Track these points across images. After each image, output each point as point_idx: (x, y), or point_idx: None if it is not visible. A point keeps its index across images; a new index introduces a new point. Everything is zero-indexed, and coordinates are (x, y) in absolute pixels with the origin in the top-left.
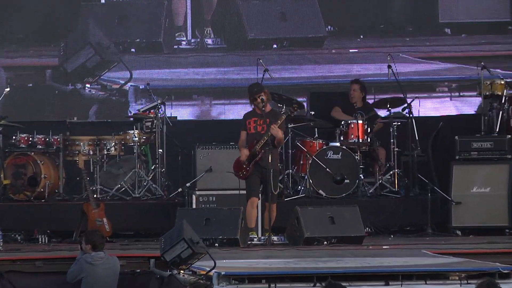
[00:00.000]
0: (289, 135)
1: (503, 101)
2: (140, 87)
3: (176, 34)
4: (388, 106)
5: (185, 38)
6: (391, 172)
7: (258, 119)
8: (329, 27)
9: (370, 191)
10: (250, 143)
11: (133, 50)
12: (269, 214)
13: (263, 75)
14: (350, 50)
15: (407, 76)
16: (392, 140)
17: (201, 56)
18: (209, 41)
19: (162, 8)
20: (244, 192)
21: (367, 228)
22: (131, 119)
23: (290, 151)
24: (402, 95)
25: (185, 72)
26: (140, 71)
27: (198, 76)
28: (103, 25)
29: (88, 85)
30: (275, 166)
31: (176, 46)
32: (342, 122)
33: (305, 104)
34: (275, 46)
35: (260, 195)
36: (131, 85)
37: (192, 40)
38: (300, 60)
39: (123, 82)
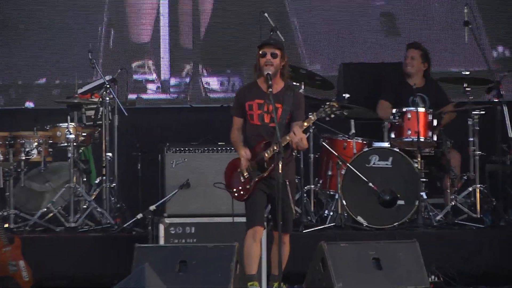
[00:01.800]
0: (310, 131)
1: None
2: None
3: None
4: (465, 85)
5: None
6: (470, 189)
7: (265, 102)
8: None
9: (438, 218)
10: (253, 139)
11: None
12: (279, 251)
13: (271, 35)
14: None
15: None
16: (471, 139)
17: None
18: None
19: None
20: (242, 218)
21: (433, 277)
22: (65, 106)
23: (311, 155)
24: (486, 68)
25: None
26: None
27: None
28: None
29: None
30: (290, 176)
31: None
32: (394, 111)
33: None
34: None
35: (266, 222)
36: None
37: None
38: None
39: None
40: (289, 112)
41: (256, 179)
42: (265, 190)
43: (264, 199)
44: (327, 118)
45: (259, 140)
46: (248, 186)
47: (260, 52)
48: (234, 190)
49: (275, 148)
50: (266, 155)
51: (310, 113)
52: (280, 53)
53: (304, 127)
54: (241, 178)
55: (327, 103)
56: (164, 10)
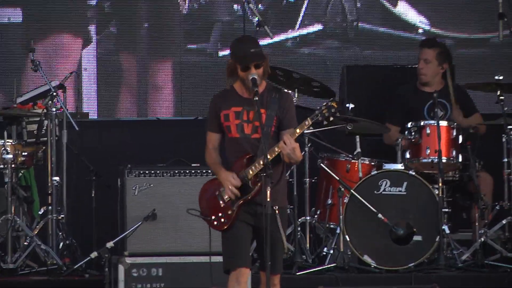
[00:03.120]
0: (305, 149)
1: None
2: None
3: None
4: (499, 93)
5: None
6: (503, 222)
7: (244, 109)
8: None
9: (464, 257)
10: (233, 155)
11: None
12: None
13: (256, 32)
14: None
15: None
16: (505, 160)
17: None
18: None
19: None
20: (221, 258)
21: None
22: (0, 118)
23: (307, 180)
24: None
25: None
26: None
27: None
28: None
29: None
30: (280, 202)
31: None
32: (409, 125)
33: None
34: None
35: (250, 262)
36: None
37: None
38: None
39: None
40: (275, 118)
41: (241, 201)
42: (249, 221)
43: (249, 232)
44: (325, 122)
45: (240, 155)
46: (229, 212)
47: (248, 64)
48: (213, 217)
49: (261, 163)
50: (251, 172)
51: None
52: (263, 61)
53: (297, 135)
54: (221, 202)
55: (325, 104)
56: None
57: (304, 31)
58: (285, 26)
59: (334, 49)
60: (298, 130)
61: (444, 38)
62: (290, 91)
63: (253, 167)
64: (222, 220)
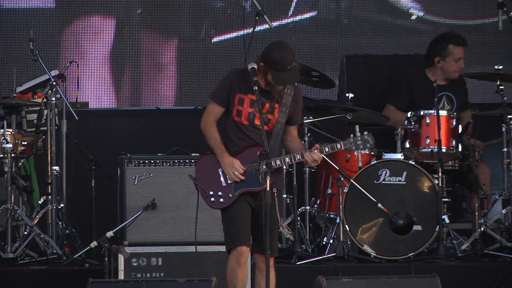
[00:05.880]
0: (305, 138)
1: None
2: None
3: None
4: (498, 83)
5: None
6: (503, 211)
7: (261, 100)
8: None
9: (464, 247)
10: (236, 140)
11: None
12: (266, 279)
13: (255, 21)
14: None
15: None
16: (505, 150)
17: None
18: None
19: None
20: (209, 247)
21: None
22: (0, 108)
23: (306, 170)
24: None
25: None
26: None
27: None
28: None
29: None
30: (278, 185)
31: None
32: (409, 115)
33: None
34: None
35: (250, 241)
36: None
37: None
38: None
39: None
40: (288, 114)
41: (245, 190)
42: (250, 202)
43: (249, 212)
44: (356, 153)
45: (244, 143)
46: (230, 195)
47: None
48: (211, 193)
49: (288, 160)
50: (276, 162)
51: (339, 143)
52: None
53: (326, 153)
54: (222, 180)
55: (361, 135)
56: None
57: (298, 17)
58: (279, 12)
59: (328, 36)
60: (327, 150)
61: (439, 25)
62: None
63: (281, 159)
64: (221, 200)
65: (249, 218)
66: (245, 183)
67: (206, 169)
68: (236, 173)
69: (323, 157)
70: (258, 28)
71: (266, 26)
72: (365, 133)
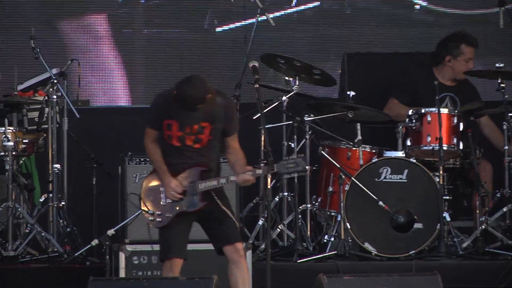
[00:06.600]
0: (306, 136)
1: None
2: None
3: None
4: (499, 80)
5: None
6: (504, 209)
7: (187, 122)
8: None
9: (465, 245)
10: (173, 159)
11: None
12: (267, 277)
13: (257, 19)
14: None
15: None
16: (506, 148)
17: None
18: None
19: None
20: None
21: None
22: (1, 106)
23: (308, 167)
24: None
25: None
26: None
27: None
28: None
29: None
30: (218, 195)
31: None
32: (410, 112)
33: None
34: None
35: (185, 253)
36: None
37: None
38: None
39: None
40: (221, 127)
41: (181, 211)
42: (192, 217)
43: (186, 226)
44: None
45: (180, 164)
46: (167, 215)
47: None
48: (150, 212)
49: (215, 183)
50: (202, 187)
51: (273, 165)
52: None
53: (257, 176)
54: (162, 199)
55: (299, 157)
56: None
57: (301, 7)
58: (282, 2)
59: (331, 27)
60: (258, 172)
61: (442, 15)
62: (290, 78)
63: (206, 183)
64: (158, 219)
65: (186, 231)
66: (183, 203)
67: (150, 187)
68: (173, 192)
69: (324, 155)
70: (261, 18)
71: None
72: (300, 155)
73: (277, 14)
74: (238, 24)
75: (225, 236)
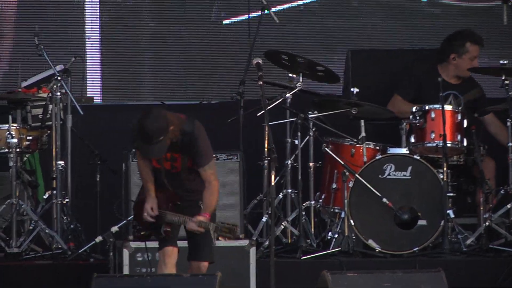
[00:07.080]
0: (310, 133)
1: None
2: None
3: None
4: (503, 78)
5: None
6: (508, 206)
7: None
8: None
9: (468, 242)
10: (158, 183)
11: None
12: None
13: (261, 16)
14: None
15: None
16: (510, 144)
17: None
18: None
19: None
20: (225, 241)
21: None
22: (5, 102)
23: (311, 164)
24: None
25: None
26: None
27: None
28: None
29: None
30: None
31: None
32: (414, 109)
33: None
34: None
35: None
36: None
37: None
38: None
39: None
40: (189, 159)
41: (148, 233)
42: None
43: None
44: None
45: (165, 185)
46: (142, 233)
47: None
48: (135, 223)
49: (180, 221)
50: (168, 218)
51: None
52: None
53: (204, 218)
54: (144, 215)
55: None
56: None
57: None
58: None
59: (338, 19)
60: (210, 228)
61: (449, 7)
62: (294, 75)
63: (174, 218)
64: (142, 233)
65: (178, 227)
66: (152, 227)
67: (139, 205)
68: (145, 214)
69: (328, 152)
70: (267, 12)
71: (274, 9)
72: (235, 225)
73: (283, 7)
74: (244, 17)
75: (194, 250)
